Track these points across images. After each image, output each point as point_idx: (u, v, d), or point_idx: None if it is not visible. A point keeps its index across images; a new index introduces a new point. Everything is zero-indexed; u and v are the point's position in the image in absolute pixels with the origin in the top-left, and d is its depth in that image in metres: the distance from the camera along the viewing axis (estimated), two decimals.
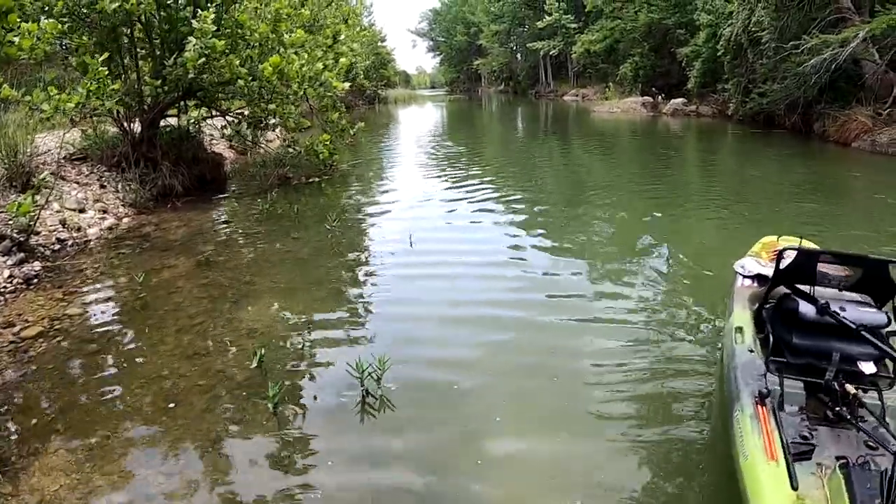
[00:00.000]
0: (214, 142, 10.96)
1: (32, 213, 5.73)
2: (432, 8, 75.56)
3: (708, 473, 2.69)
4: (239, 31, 7.77)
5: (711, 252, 5.88)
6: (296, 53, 8.10)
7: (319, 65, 8.46)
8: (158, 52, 8.00)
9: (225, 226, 7.19)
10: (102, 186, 7.72)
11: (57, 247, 5.91)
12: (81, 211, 6.81)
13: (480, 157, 14.00)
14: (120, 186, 7.76)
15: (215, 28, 7.06)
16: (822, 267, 2.62)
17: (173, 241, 6.36)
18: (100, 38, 7.46)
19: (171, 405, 3.25)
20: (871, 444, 2.16)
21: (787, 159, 12.24)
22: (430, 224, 7.19)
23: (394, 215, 7.67)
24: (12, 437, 2.99)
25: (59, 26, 6.39)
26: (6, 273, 4.99)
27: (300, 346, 3.93)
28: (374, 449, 2.89)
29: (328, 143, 9.86)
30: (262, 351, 3.64)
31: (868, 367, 2.41)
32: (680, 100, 23.79)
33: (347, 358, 3.57)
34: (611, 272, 5.32)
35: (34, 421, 3.13)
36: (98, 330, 4.25)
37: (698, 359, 3.64)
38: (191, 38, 7.03)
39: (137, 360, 3.78)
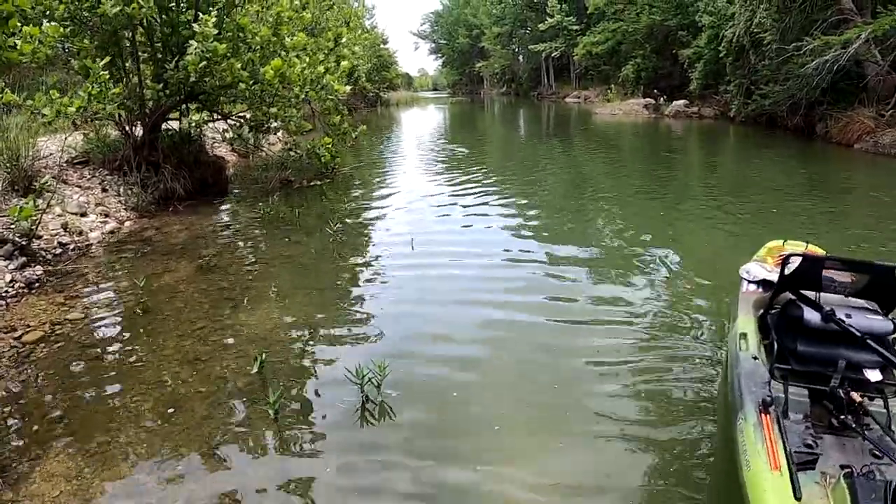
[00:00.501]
0: (216, 145, 10.98)
1: (34, 218, 5.74)
2: (434, 10, 75.73)
3: (712, 483, 2.67)
4: (240, 34, 7.77)
5: (714, 254, 5.87)
6: (297, 57, 8.10)
7: (321, 68, 8.45)
8: (160, 56, 8.00)
9: (226, 229, 7.19)
10: (104, 190, 7.72)
11: (59, 251, 5.91)
12: (83, 215, 6.82)
13: (482, 160, 13.99)
14: (122, 190, 7.77)
15: (217, 32, 7.06)
16: (829, 273, 2.60)
17: (175, 245, 6.36)
18: (101, 42, 7.47)
19: (172, 411, 3.25)
20: (876, 452, 2.13)
21: (790, 161, 12.22)
22: (432, 227, 7.19)
23: (395, 218, 7.67)
24: (13, 443, 2.99)
25: (61, 30, 6.40)
26: (8, 277, 4.99)
27: (301, 352, 3.93)
28: (373, 455, 2.88)
29: (330, 146, 9.86)
30: (263, 356, 3.63)
31: (874, 375, 2.39)
32: (682, 101, 23.79)
33: (348, 363, 3.57)
34: (613, 276, 5.30)
35: (35, 426, 3.13)
36: (99, 335, 4.25)
37: (702, 365, 3.61)
38: (192, 41, 7.03)
39: (138, 365, 3.77)
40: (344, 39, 10.40)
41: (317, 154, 9.75)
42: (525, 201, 8.60)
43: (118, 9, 6.53)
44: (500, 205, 8.32)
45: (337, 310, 4.69)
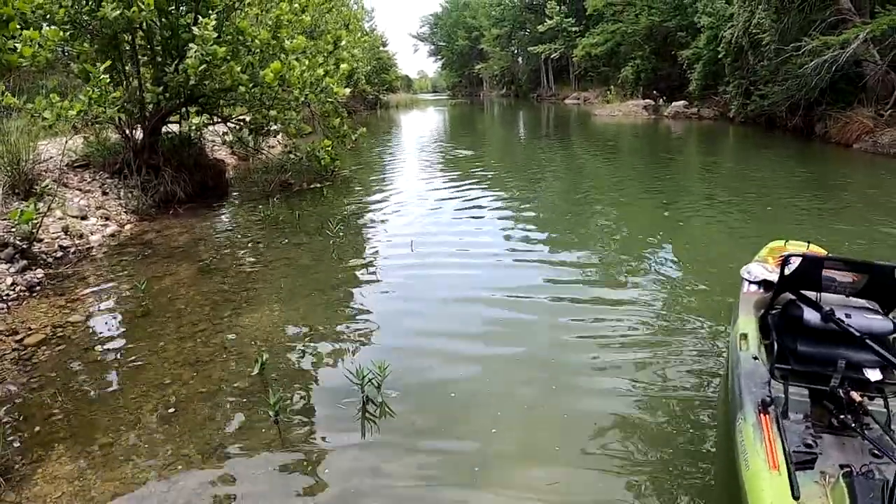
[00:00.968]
0: (216, 148, 11.00)
1: (35, 221, 5.75)
2: (433, 12, 75.88)
3: (713, 484, 2.67)
4: (240, 37, 7.79)
5: (715, 255, 5.87)
6: (297, 60, 8.12)
7: (320, 71, 8.47)
8: (160, 59, 8.02)
9: (226, 232, 7.20)
10: (105, 193, 7.74)
11: (59, 254, 5.93)
12: (84, 218, 6.83)
13: (482, 162, 14.02)
14: (122, 193, 7.78)
15: (216, 35, 7.08)
16: (829, 272, 2.59)
17: (175, 248, 6.37)
18: (101, 46, 7.50)
19: (173, 412, 3.26)
20: (876, 452, 2.13)
21: (789, 161, 12.24)
22: (432, 228, 7.21)
23: (395, 220, 7.69)
24: (16, 445, 2.99)
25: (61, 33, 6.43)
26: (9, 281, 5.01)
27: (301, 353, 3.94)
28: (373, 456, 2.89)
29: (329, 148, 9.88)
30: (264, 358, 3.64)
31: (874, 375, 2.38)
32: (681, 102, 23.84)
33: (348, 365, 3.58)
34: (613, 277, 5.31)
35: (37, 428, 3.14)
36: (100, 337, 4.26)
37: (703, 366, 3.62)
38: (192, 44, 7.05)
39: (139, 367, 3.78)
40: (343, 42, 10.42)
41: (316, 157, 9.77)
42: (524, 203, 8.62)
43: (118, 12, 6.55)
44: (499, 206, 8.33)
45: (337, 311, 4.70)
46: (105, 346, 4.11)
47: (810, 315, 2.52)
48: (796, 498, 1.91)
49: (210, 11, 7.34)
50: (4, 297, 4.78)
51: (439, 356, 3.91)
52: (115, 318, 4.62)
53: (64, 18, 6.67)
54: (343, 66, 9.28)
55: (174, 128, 9.34)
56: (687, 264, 5.56)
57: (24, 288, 5.00)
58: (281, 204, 8.42)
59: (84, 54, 7.03)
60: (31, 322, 4.42)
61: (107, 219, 7.15)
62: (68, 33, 6.87)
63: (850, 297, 2.66)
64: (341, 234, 6.70)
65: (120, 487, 2.70)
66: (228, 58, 7.44)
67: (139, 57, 8.17)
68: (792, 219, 7.21)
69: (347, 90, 9.53)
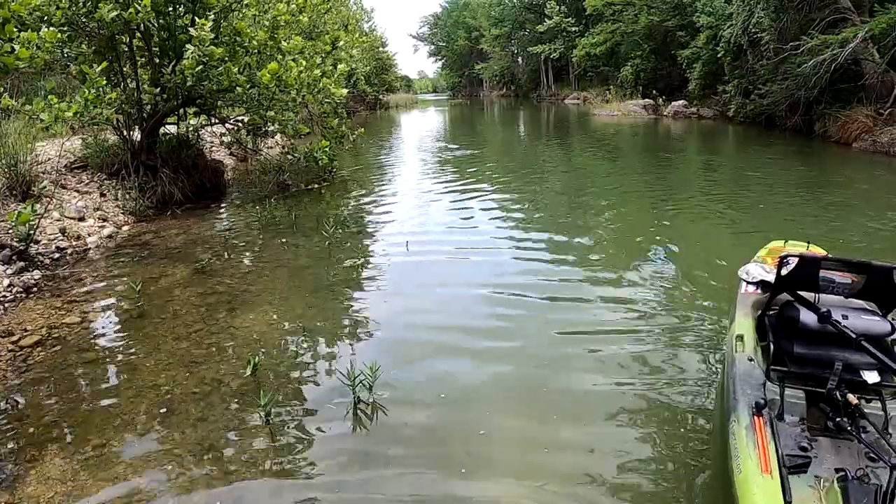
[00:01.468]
0: (214, 149, 11.01)
1: (32, 222, 5.77)
2: (433, 12, 75.89)
3: (708, 487, 2.65)
4: (237, 38, 7.81)
5: (715, 256, 5.85)
6: (294, 60, 8.13)
7: (317, 71, 8.48)
8: (157, 61, 8.04)
9: (223, 233, 7.21)
10: (102, 194, 7.76)
11: (56, 255, 5.94)
12: (81, 219, 6.85)
13: (481, 162, 14.02)
14: (119, 194, 7.79)
15: (213, 36, 7.09)
16: (828, 273, 2.55)
17: (172, 249, 6.38)
18: (99, 47, 7.51)
19: (166, 412, 3.27)
20: (872, 455, 2.11)
21: (789, 160, 12.23)
22: (429, 230, 7.21)
23: (392, 221, 7.69)
24: (9, 446, 3.00)
25: (59, 35, 6.44)
26: (6, 282, 5.02)
27: (294, 354, 3.95)
28: (363, 456, 2.89)
29: (327, 149, 9.89)
30: (257, 359, 3.65)
31: (871, 377, 2.35)
32: (681, 102, 23.82)
33: (340, 366, 3.59)
34: (612, 278, 5.30)
35: (31, 429, 3.14)
36: (96, 338, 4.28)
37: (700, 368, 3.61)
38: (189, 45, 7.07)
39: (134, 368, 3.79)
40: (341, 43, 10.43)
41: (314, 157, 9.77)
42: (522, 203, 8.62)
43: (115, 14, 6.56)
44: (497, 207, 8.34)
45: (331, 312, 4.70)
46: (100, 348, 4.12)
47: (807, 316, 2.49)
48: (788, 502, 1.89)
49: (207, 12, 7.35)
50: (1, 299, 4.79)
51: (431, 357, 3.91)
52: (110, 319, 4.63)
53: (61, 20, 6.67)
54: (341, 66, 9.28)
55: (172, 129, 9.34)
56: (686, 264, 5.55)
57: (20, 289, 5.01)
58: (278, 205, 8.43)
59: (82, 56, 7.04)
60: (27, 323, 4.42)
61: (104, 220, 7.16)
62: (66, 35, 6.88)
63: (849, 298, 2.63)
64: (338, 234, 6.70)
65: (113, 488, 2.70)
66: (226, 59, 7.46)
67: (137, 58, 8.18)
68: (791, 218, 7.20)
69: (345, 91, 9.54)
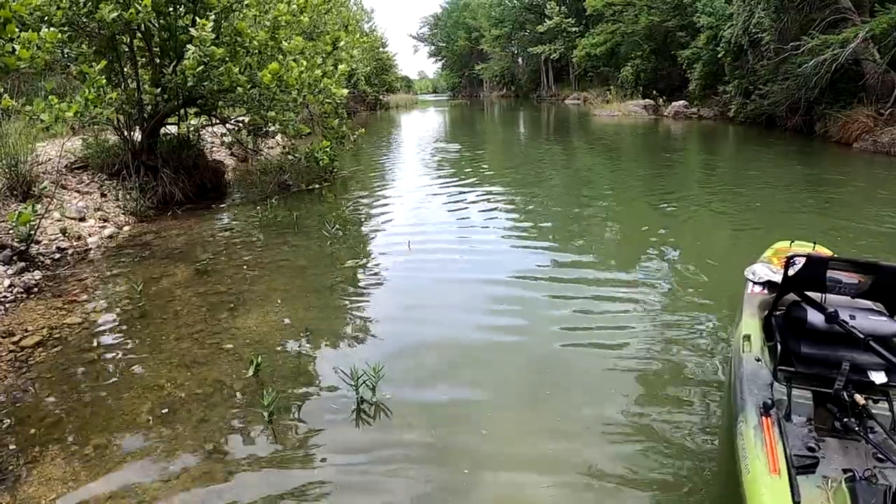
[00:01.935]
0: (215, 149, 11.01)
1: (33, 223, 5.75)
2: (433, 13, 75.92)
3: (715, 488, 2.64)
4: (238, 38, 7.80)
5: (717, 256, 5.84)
6: (294, 60, 8.13)
7: (318, 71, 8.47)
8: (158, 61, 8.03)
9: (224, 233, 7.20)
10: (103, 195, 7.75)
11: (57, 256, 5.93)
12: (82, 220, 6.84)
13: (481, 162, 14.01)
14: (120, 195, 7.78)
15: (214, 36, 7.08)
16: (835, 273, 2.55)
17: (173, 250, 6.37)
18: (99, 47, 7.50)
19: (168, 412, 3.26)
20: (879, 456, 2.10)
21: (790, 161, 12.22)
22: (429, 229, 7.20)
23: (393, 221, 7.68)
24: (11, 446, 2.99)
25: (60, 35, 6.42)
26: (6, 282, 5.01)
27: (296, 355, 3.94)
28: (365, 457, 2.88)
29: (328, 149, 9.88)
30: (259, 359, 3.64)
31: (879, 377, 2.35)
32: (681, 102, 23.81)
33: (343, 366, 3.57)
34: (612, 279, 5.29)
35: (32, 430, 3.14)
36: (97, 339, 4.26)
37: (706, 368, 3.59)
38: (190, 46, 7.06)
39: (135, 369, 3.78)
40: (342, 43, 10.42)
41: (315, 158, 9.77)
42: (523, 204, 8.62)
43: (116, 14, 6.55)
44: (498, 207, 8.33)
45: (333, 312, 4.69)
46: (101, 348, 4.10)
47: (814, 317, 2.49)
48: (796, 502, 1.88)
49: (208, 12, 7.35)
50: (2, 299, 4.78)
51: (434, 357, 3.90)
52: (111, 319, 4.61)
53: (62, 20, 6.66)
54: (341, 66, 9.28)
55: (173, 129, 9.34)
56: (689, 265, 5.53)
57: (21, 290, 5.00)
58: (279, 205, 8.42)
59: (82, 56, 7.03)
60: (28, 324, 4.41)
61: (105, 220, 7.15)
62: (66, 35, 6.87)
63: (856, 299, 2.63)
64: (339, 234, 6.70)
65: (114, 489, 2.69)
66: (227, 59, 7.45)
67: (137, 58, 8.18)
68: (793, 218, 7.19)
69: (346, 91, 9.53)
